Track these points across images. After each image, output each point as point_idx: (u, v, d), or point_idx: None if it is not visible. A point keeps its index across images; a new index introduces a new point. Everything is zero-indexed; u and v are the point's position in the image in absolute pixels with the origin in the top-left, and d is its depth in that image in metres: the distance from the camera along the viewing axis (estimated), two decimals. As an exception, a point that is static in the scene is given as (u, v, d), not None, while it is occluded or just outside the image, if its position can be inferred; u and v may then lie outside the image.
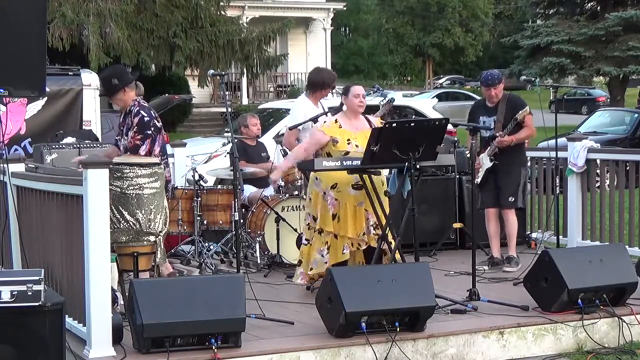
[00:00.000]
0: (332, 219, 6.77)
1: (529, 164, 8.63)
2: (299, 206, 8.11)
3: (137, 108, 6.54)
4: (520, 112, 7.63)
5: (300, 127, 7.74)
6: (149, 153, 6.49)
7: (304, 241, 6.99)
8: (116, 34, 19.98)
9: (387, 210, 6.79)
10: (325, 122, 6.96)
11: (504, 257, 8.00)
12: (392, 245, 6.75)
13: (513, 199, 7.85)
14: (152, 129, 6.51)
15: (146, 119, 6.50)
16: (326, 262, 6.78)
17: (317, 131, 6.93)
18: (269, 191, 8.74)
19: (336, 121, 6.87)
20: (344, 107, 6.91)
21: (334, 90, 7.37)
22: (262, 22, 27.67)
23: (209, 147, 11.05)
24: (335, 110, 7.07)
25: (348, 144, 6.75)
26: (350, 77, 50.58)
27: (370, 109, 8.26)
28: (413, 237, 6.55)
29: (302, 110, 7.79)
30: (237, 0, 29.04)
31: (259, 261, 8.13)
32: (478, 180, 7.91)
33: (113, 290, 5.66)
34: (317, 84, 7.73)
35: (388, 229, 6.75)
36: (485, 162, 7.88)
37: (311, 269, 6.85)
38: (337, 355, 5.54)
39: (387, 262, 6.74)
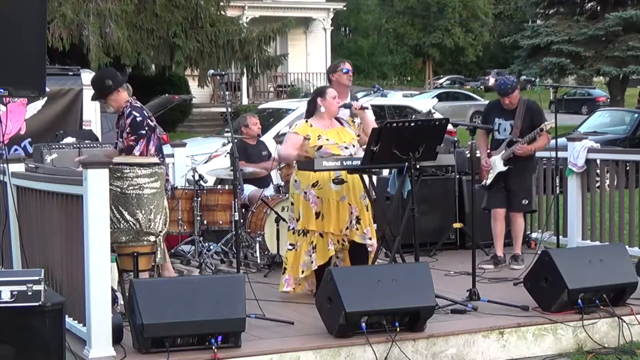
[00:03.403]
0: (315, 217, 6.76)
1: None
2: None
3: (129, 109, 6.51)
4: (546, 123, 7.73)
5: None
6: (144, 153, 6.48)
7: (288, 246, 6.92)
8: (116, 34, 19.98)
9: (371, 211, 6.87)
10: (296, 124, 6.97)
11: (511, 256, 8.05)
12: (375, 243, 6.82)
13: (527, 202, 7.97)
14: (146, 128, 6.49)
15: (138, 119, 6.48)
16: (313, 262, 6.77)
17: (290, 135, 6.92)
18: (269, 191, 8.75)
19: (307, 121, 6.90)
20: (322, 109, 6.87)
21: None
22: (262, 22, 27.67)
23: (209, 147, 11.04)
24: (308, 114, 7.06)
25: (318, 139, 6.76)
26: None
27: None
28: (413, 237, 6.56)
29: None
30: (237, 0, 29.03)
31: (259, 261, 8.13)
32: (488, 182, 7.98)
33: (113, 290, 5.66)
34: (328, 77, 7.74)
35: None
36: (498, 164, 7.93)
37: (302, 272, 6.81)
38: (337, 355, 5.54)
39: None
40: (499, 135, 8.00)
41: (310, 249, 6.79)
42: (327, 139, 6.77)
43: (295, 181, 6.88)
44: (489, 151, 8.08)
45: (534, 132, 7.75)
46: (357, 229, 6.79)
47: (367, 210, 6.85)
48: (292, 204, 6.95)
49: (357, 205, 6.80)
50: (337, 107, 6.88)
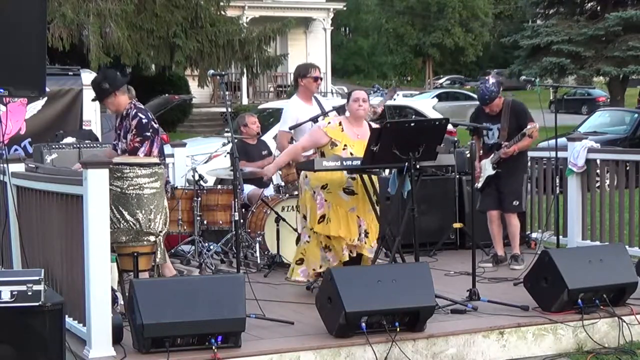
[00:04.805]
0: (319, 220, 6.71)
1: (529, 165, 8.67)
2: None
3: (135, 110, 6.52)
4: (529, 127, 7.70)
5: (292, 130, 7.65)
6: (148, 155, 6.48)
7: (306, 239, 6.87)
8: (116, 34, 19.98)
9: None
10: (329, 122, 6.82)
11: (510, 256, 8.07)
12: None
13: (517, 203, 7.99)
14: (151, 130, 6.50)
15: (144, 121, 6.49)
16: (330, 260, 6.74)
17: (318, 130, 6.82)
18: (269, 191, 8.74)
19: (340, 124, 6.78)
20: (347, 113, 6.86)
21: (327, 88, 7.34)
22: (262, 22, 27.67)
23: (209, 147, 11.05)
24: (340, 110, 7.02)
25: (344, 149, 6.68)
26: (350, 77, 50.67)
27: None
28: (413, 237, 6.56)
29: (293, 113, 7.67)
30: (237, 0, 29.04)
31: (259, 261, 8.13)
32: (479, 185, 8.00)
33: (113, 290, 5.66)
34: (295, 79, 7.68)
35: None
36: (487, 168, 7.97)
37: (320, 266, 6.79)
38: (337, 355, 5.54)
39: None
40: (488, 140, 8.02)
41: (322, 247, 6.77)
42: (352, 153, 6.65)
43: (306, 176, 6.83)
44: (480, 154, 8.09)
45: (517, 136, 7.76)
46: (365, 243, 6.77)
47: (373, 222, 6.82)
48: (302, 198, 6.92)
49: (366, 219, 6.77)
50: (356, 109, 6.73)
